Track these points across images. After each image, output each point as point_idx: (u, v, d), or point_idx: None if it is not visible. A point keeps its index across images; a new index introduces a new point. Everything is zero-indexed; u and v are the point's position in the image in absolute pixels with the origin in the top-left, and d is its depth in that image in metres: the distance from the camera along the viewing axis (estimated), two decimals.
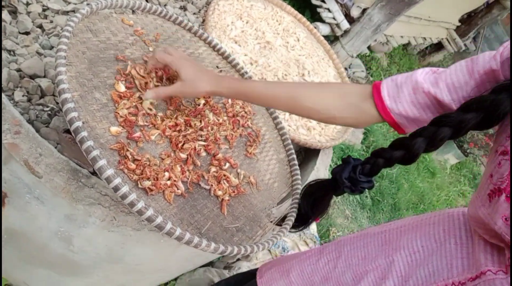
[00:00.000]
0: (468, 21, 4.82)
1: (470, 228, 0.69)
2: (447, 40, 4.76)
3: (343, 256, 0.84)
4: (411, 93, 0.67)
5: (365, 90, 0.72)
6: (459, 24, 4.78)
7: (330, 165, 2.48)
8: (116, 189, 0.61)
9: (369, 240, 0.83)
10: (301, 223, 0.92)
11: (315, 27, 2.80)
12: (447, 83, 0.64)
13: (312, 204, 0.87)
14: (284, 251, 1.90)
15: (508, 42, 0.61)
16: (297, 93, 0.75)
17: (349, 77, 3.11)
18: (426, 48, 4.95)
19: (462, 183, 3.97)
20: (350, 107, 0.73)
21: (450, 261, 0.67)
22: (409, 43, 4.15)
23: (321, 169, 1.37)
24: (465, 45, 4.91)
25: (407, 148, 0.64)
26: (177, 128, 0.84)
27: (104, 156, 0.65)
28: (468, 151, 4.07)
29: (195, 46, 1.12)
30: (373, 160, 0.69)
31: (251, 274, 1.00)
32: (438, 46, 4.89)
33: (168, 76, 0.88)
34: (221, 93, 0.80)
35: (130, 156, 0.71)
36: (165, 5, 1.25)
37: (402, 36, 3.81)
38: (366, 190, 0.73)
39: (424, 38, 4.35)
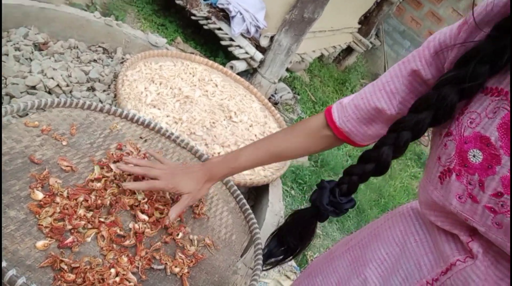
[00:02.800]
0: (366, 22, 5.24)
1: (424, 221, 0.70)
2: (354, 42, 5.13)
3: None
4: (354, 111, 0.72)
5: (322, 119, 0.77)
6: (359, 26, 5.18)
7: (287, 191, 2.49)
8: None
9: (337, 263, 0.82)
10: (289, 255, 0.88)
11: (232, 66, 2.88)
12: (386, 91, 0.68)
13: (299, 236, 0.84)
14: None
15: (428, 40, 0.65)
16: (275, 149, 0.82)
17: (277, 103, 3.20)
18: (339, 54, 5.28)
19: (411, 166, 4.17)
20: (322, 139, 0.78)
21: (417, 261, 0.67)
22: (322, 55, 4.40)
23: (275, 203, 1.37)
24: (371, 42, 5.31)
25: (376, 159, 0.65)
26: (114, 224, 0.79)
27: (34, 279, 0.59)
28: None
29: (111, 124, 1.09)
30: (347, 178, 0.70)
31: None
32: (349, 50, 5.24)
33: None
34: (217, 181, 0.90)
35: (66, 267, 0.65)
36: (70, 92, 1.21)
37: (314, 51, 4.04)
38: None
39: (334, 47, 4.64)
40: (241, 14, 2.90)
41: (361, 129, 0.73)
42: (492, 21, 0.56)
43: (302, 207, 2.55)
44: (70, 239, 0.70)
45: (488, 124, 0.54)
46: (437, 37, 0.63)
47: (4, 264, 0.55)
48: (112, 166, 0.94)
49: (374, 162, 0.66)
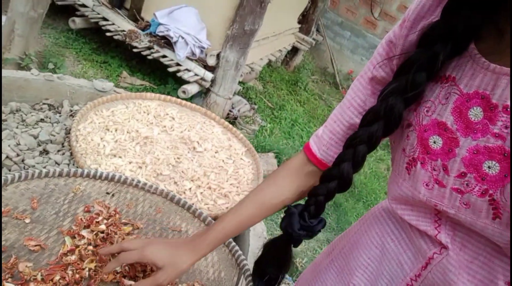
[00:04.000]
0: (305, 20, 5.38)
1: (396, 219, 0.72)
2: (298, 42, 5.25)
3: None
4: (331, 136, 0.71)
5: (303, 157, 0.75)
6: (299, 25, 5.31)
7: None
8: None
9: (324, 276, 0.83)
10: (274, 284, 0.88)
11: (184, 91, 2.85)
12: (354, 107, 0.68)
13: (278, 265, 0.83)
14: None
15: (380, 45, 0.67)
16: (263, 198, 0.75)
17: (236, 118, 3.21)
18: (286, 56, 5.38)
19: (376, 150, 4.31)
20: (308, 176, 0.74)
21: (398, 260, 0.69)
22: (270, 61, 4.47)
23: (257, 225, 1.37)
24: (313, 39, 5.45)
25: (338, 176, 0.66)
26: None
27: None
28: None
29: (73, 186, 1.04)
30: (314, 200, 0.70)
31: None
32: (294, 50, 5.35)
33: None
34: (203, 256, 0.77)
35: None
36: (23, 161, 1.15)
37: (261, 58, 4.09)
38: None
39: (280, 50, 4.73)
40: (182, 38, 2.89)
41: None
42: (426, 16, 0.59)
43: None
44: None
45: (442, 110, 0.57)
46: (384, 41, 0.66)
47: None
48: (84, 231, 0.90)
49: (337, 179, 0.66)
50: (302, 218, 0.71)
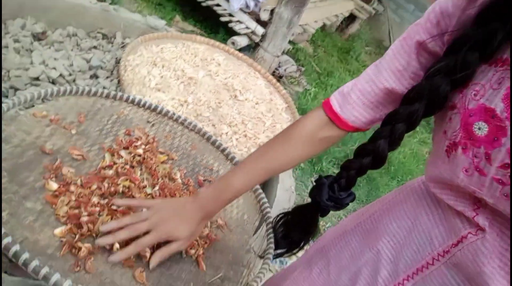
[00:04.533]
0: None
1: (435, 195, 0.70)
2: (357, 9, 5.00)
3: (332, 261, 0.84)
4: (359, 96, 0.68)
5: (320, 116, 0.71)
6: None
7: (299, 168, 2.50)
8: None
9: (349, 237, 0.83)
10: (294, 247, 0.91)
11: (233, 42, 2.84)
12: (392, 70, 0.65)
13: (302, 231, 0.85)
14: (282, 264, 1.88)
15: (432, 6, 0.62)
16: (272, 165, 0.74)
17: (281, 77, 3.17)
18: (342, 22, 5.16)
19: (420, 132, 4.14)
20: (321, 141, 0.73)
21: (428, 234, 0.67)
22: (324, 25, 4.31)
23: (285, 179, 1.38)
24: (373, 8, 5.17)
25: (373, 152, 0.65)
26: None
27: (56, 267, 0.61)
28: None
29: (118, 109, 1.09)
30: (346, 173, 0.70)
31: None
32: (351, 18, 5.12)
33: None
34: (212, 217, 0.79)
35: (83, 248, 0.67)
36: (74, 81, 1.21)
37: (316, 21, 3.95)
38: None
39: (336, 15, 4.54)
40: None
41: (368, 115, 0.69)
42: None
43: (312, 179, 2.57)
44: (86, 219, 0.71)
45: (493, 95, 0.53)
46: (437, 7, 0.60)
47: (27, 255, 0.57)
48: (123, 152, 0.95)
49: (371, 155, 0.65)
50: (332, 190, 0.71)
